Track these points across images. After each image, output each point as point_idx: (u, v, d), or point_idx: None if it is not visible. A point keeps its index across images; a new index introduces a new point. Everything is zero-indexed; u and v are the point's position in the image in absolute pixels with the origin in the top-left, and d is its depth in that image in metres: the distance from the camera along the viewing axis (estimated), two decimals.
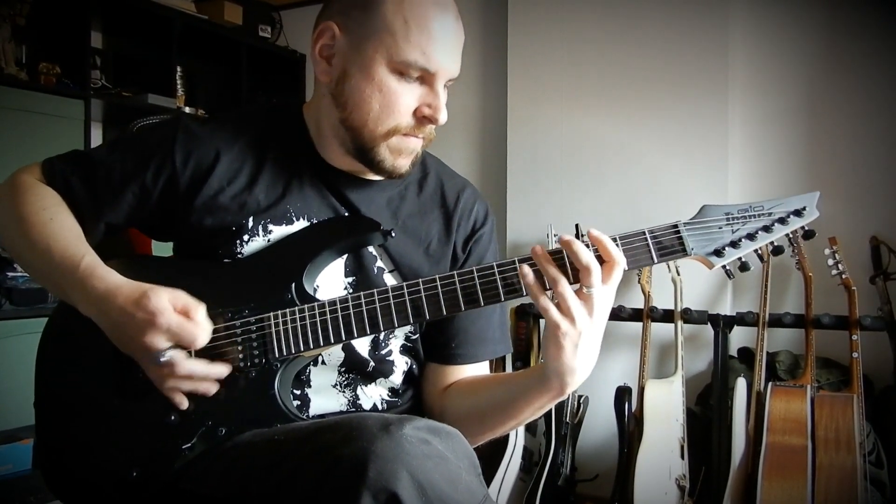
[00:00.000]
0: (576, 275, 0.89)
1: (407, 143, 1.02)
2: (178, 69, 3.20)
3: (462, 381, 1.13)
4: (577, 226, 2.61)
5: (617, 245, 0.91)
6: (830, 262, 2.33)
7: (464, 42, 1.03)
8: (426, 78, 0.99)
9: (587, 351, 0.91)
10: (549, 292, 0.90)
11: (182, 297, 0.92)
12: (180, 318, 0.91)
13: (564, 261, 0.90)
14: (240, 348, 0.97)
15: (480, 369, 1.16)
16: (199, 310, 0.93)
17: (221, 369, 0.95)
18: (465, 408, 1.08)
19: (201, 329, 0.92)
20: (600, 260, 0.90)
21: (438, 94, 1.00)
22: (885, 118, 2.48)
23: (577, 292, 0.89)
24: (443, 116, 1.00)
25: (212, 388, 0.95)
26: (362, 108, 0.99)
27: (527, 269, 0.90)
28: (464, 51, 1.04)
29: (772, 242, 0.94)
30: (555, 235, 2.71)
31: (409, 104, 0.99)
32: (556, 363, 0.92)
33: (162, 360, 0.89)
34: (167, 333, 0.90)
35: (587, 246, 0.90)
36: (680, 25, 2.66)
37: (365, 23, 0.98)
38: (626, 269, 0.91)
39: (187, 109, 3.22)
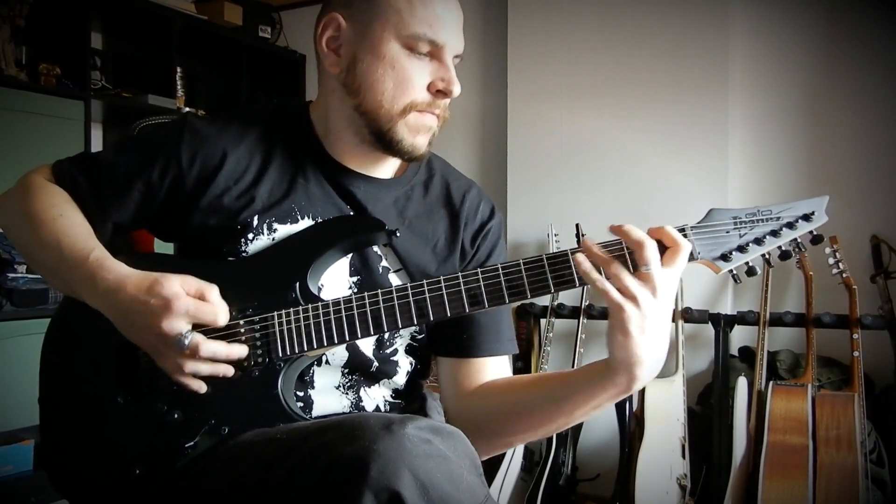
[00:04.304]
0: (632, 262, 0.88)
1: (424, 121, 1.03)
2: (178, 69, 3.20)
3: (498, 381, 1.10)
4: (577, 225, 2.61)
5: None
6: (831, 261, 2.33)
7: (463, 25, 1.05)
8: (435, 52, 1.01)
9: (655, 339, 0.88)
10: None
11: (192, 281, 0.92)
12: (196, 300, 0.90)
13: (623, 252, 0.89)
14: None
15: (504, 369, 1.13)
16: (212, 290, 0.92)
17: (241, 349, 0.94)
18: (508, 402, 1.05)
19: (220, 308, 0.92)
20: (663, 248, 0.88)
21: (449, 66, 1.01)
22: (886, 117, 2.48)
23: (637, 273, 0.87)
24: (456, 88, 1.01)
25: (229, 371, 0.94)
26: (376, 89, 1.00)
27: (581, 257, 0.88)
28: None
29: (779, 247, 0.92)
30: (555, 234, 2.71)
31: (423, 79, 1.01)
32: (623, 353, 0.88)
33: (186, 342, 0.88)
34: (186, 316, 0.89)
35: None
36: (680, 25, 2.66)
37: (369, 8, 1.00)
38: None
39: (187, 110, 3.22)
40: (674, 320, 2.49)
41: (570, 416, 1.00)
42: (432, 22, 0.99)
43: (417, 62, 1.00)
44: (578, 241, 2.54)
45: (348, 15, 1.02)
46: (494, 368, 1.12)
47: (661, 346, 0.89)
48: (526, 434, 1.05)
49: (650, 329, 0.87)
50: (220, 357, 0.92)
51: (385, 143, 1.03)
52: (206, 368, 0.92)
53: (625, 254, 0.89)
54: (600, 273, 0.88)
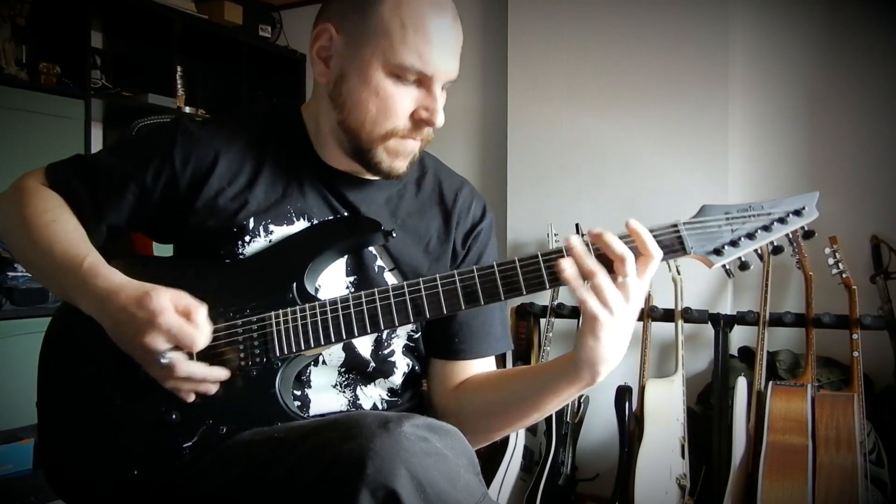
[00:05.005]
0: (608, 266, 0.89)
1: (404, 146, 1.02)
2: (178, 69, 3.20)
3: (477, 376, 1.13)
4: (577, 225, 2.61)
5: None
6: (831, 261, 2.33)
7: (462, 42, 1.03)
8: (423, 81, 0.99)
9: (620, 341, 0.92)
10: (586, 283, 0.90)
11: (184, 298, 0.92)
12: (181, 319, 0.90)
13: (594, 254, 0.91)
14: (241, 347, 0.97)
15: (488, 366, 1.16)
16: (200, 311, 0.93)
17: (220, 373, 0.94)
18: (486, 402, 1.08)
19: (201, 332, 0.92)
20: (636, 252, 0.89)
21: (436, 97, 1.00)
22: (886, 117, 2.48)
23: (613, 282, 0.89)
24: (440, 120, 1.00)
25: (212, 389, 0.94)
26: (359, 111, 0.99)
27: (565, 263, 0.89)
28: (464, 51, 1.03)
29: (771, 242, 0.94)
30: (555, 234, 2.71)
31: (406, 107, 0.99)
32: (590, 354, 0.91)
33: (162, 361, 0.89)
34: (167, 334, 0.90)
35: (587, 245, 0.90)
36: (680, 25, 2.66)
37: (362, 25, 0.98)
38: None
39: (187, 109, 3.22)
40: (674, 320, 2.49)
41: (542, 411, 1.03)
42: (423, 51, 0.96)
43: (403, 89, 0.99)
44: None
45: (341, 28, 1.00)
46: (479, 366, 1.15)
47: (624, 347, 0.93)
48: (503, 430, 1.08)
49: (618, 334, 0.90)
50: (196, 378, 0.92)
51: (364, 161, 1.03)
52: (185, 386, 0.93)
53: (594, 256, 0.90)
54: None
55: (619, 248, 0.88)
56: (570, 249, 0.90)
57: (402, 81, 0.98)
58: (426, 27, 0.96)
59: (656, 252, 0.90)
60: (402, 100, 0.99)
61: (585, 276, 0.89)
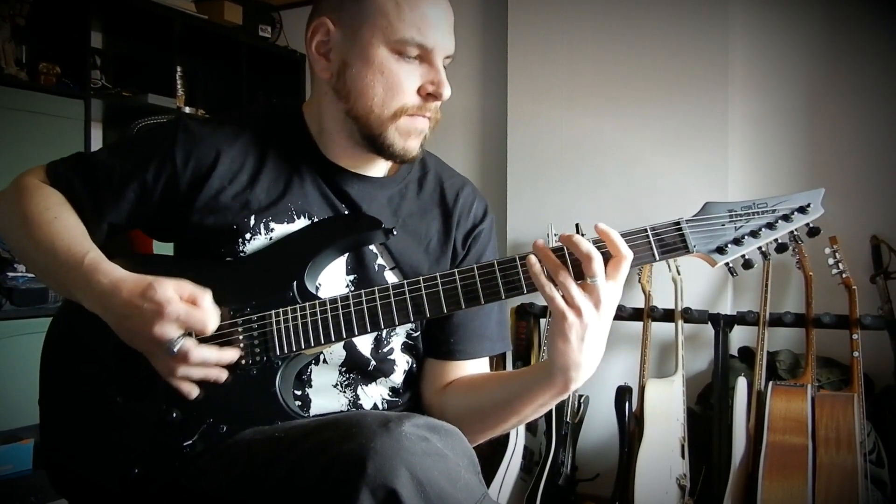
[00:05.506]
0: (580, 270, 0.89)
1: (415, 124, 1.03)
2: (178, 69, 3.21)
3: (462, 378, 1.13)
4: (577, 225, 2.60)
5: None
6: (831, 261, 2.33)
7: (454, 20, 1.04)
8: (424, 55, 1.01)
9: (593, 346, 0.91)
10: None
11: (187, 286, 0.93)
12: (188, 306, 0.91)
13: (567, 257, 0.91)
14: (241, 346, 0.97)
15: (480, 367, 1.16)
16: (205, 296, 0.93)
17: (232, 354, 0.95)
18: (466, 405, 1.08)
19: (210, 315, 0.93)
20: (607, 255, 0.89)
21: (439, 69, 1.01)
22: (886, 116, 2.48)
23: (582, 284, 0.89)
24: (446, 92, 1.01)
25: (222, 375, 0.95)
26: (366, 94, 1.00)
27: (534, 259, 0.90)
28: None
29: (775, 240, 0.93)
30: (555, 235, 2.71)
31: (412, 83, 1.01)
32: (561, 358, 0.91)
33: (175, 349, 0.89)
34: (177, 322, 0.90)
35: (593, 242, 0.90)
36: (680, 24, 2.66)
37: (358, 12, 1.00)
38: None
39: (187, 109, 3.22)
40: (674, 320, 2.49)
41: (520, 416, 1.03)
42: (421, 25, 0.98)
43: (407, 66, 1.00)
44: None
45: (337, 20, 1.02)
46: (472, 367, 1.15)
47: (598, 352, 0.92)
48: (484, 434, 1.07)
49: (589, 338, 0.90)
50: (210, 362, 0.93)
51: (377, 147, 1.04)
52: (197, 373, 0.93)
53: (568, 260, 0.90)
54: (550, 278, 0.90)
55: (586, 247, 0.88)
56: (535, 249, 0.91)
57: (404, 58, 1.00)
58: (420, 5, 0.99)
59: (627, 252, 0.89)
60: (407, 76, 1.00)
61: (551, 274, 0.90)
